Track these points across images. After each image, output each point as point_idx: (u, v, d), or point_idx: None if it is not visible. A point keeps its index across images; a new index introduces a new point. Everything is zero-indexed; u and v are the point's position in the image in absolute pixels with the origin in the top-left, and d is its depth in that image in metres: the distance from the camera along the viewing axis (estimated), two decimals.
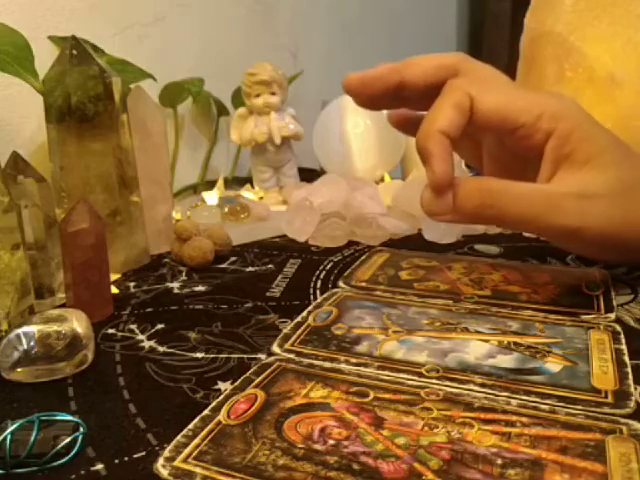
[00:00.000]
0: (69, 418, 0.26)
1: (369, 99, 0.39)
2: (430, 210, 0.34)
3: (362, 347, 0.32)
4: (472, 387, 0.28)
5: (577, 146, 0.34)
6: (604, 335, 0.33)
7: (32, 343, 0.30)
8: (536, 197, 0.34)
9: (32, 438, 0.24)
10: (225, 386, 0.29)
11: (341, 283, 0.42)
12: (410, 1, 1.37)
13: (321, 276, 0.44)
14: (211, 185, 0.71)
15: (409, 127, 0.42)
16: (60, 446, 0.24)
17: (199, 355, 0.33)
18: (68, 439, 0.24)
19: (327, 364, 0.30)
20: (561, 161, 0.34)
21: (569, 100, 0.36)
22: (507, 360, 0.30)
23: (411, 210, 0.55)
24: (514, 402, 0.27)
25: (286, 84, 0.66)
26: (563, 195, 0.34)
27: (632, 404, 0.26)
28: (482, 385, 0.28)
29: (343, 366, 0.30)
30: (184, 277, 0.44)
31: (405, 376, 0.29)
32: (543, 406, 0.26)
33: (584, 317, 0.35)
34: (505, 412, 0.26)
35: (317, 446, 0.24)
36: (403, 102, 0.40)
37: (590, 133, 0.35)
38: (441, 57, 0.38)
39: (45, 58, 0.48)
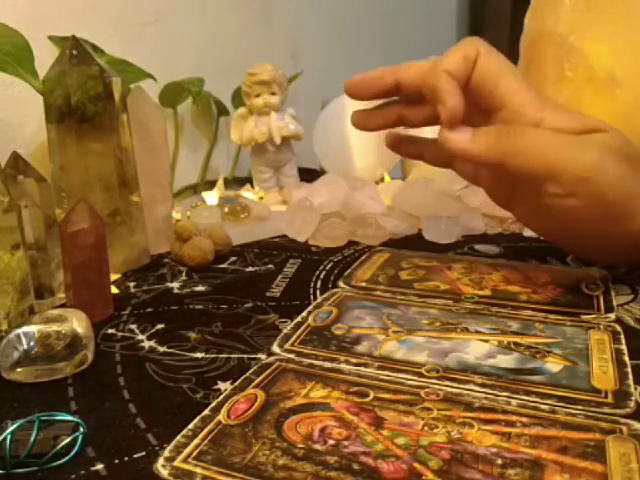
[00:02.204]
0: (69, 418, 0.26)
1: (368, 97, 0.41)
2: (447, 139, 0.36)
3: (362, 347, 0.32)
4: (472, 387, 0.28)
5: (581, 120, 0.36)
6: (604, 335, 0.33)
7: (32, 343, 0.30)
8: (558, 135, 0.35)
9: (32, 438, 0.24)
10: (225, 386, 0.29)
11: (341, 283, 0.42)
12: (410, 1, 1.37)
13: (321, 276, 0.44)
14: (211, 185, 0.71)
15: (405, 147, 0.44)
16: (60, 446, 0.24)
17: (199, 355, 0.33)
18: (68, 439, 0.24)
19: (327, 364, 0.30)
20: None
21: (552, 101, 0.38)
22: (507, 360, 0.30)
23: (411, 210, 0.55)
24: (514, 402, 0.27)
25: (286, 84, 0.66)
26: (586, 139, 0.34)
27: (632, 404, 0.26)
28: (482, 385, 0.28)
29: (343, 366, 0.30)
30: (184, 277, 0.44)
31: (405, 376, 0.29)
32: (543, 406, 0.26)
33: (584, 317, 0.35)
34: (505, 412, 0.26)
35: (317, 446, 0.24)
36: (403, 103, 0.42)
37: (581, 114, 0.37)
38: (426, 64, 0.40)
39: (45, 58, 0.48)
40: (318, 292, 0.41)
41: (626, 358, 0.30)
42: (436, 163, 0.43)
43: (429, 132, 0.43)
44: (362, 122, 0.42)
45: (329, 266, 0.46)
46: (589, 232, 0.37)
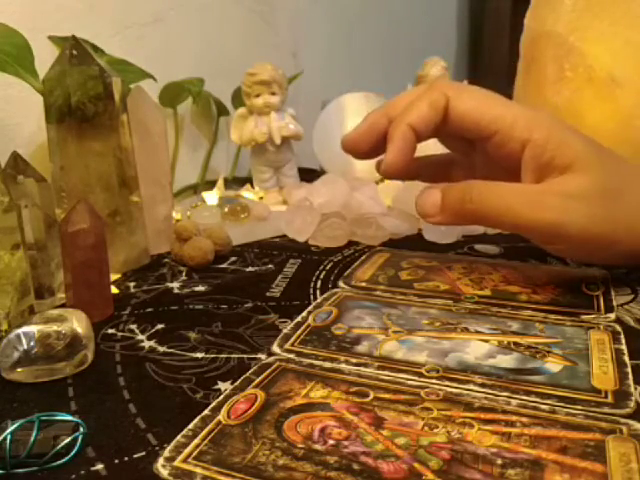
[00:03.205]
0: (69, 418, 0.26)
1: (369, 152, 0.41)
2: (422, 211, 0.37)
3: (362, 347, 0.32)
4: (472, 387, 0.28)
5: (555, 153, 0.35)
6: (604, 335, 0.33)
7: (32, 343, 0.30)
8: (518, 193, 0.35)
9: (32, 438, 0.24)
10: (225, 386, 0.29)
11: (341, 283, 0.42)
12: (410, 1, 1.37)
13: (321, 276, 0.44)
14: (211, 185, 0.71)
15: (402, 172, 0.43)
16: (60, 446, 0.24)
17: (199, 355, 0.33)
18: (68, 439, 0.24)
19: (327, 364, 0.30)
20: (542, 169, 0.35)
21: (542, 112, 0.37)
22: (507, 360, 0.30)
23: (411, 210, 0.55)
24: (514, 402, 0.27)
25: (286, 84, 0.66)
26: (545, 192, 0.35)
27: (632, 404, 0.26)
28: (482, 385, 0.28)
29: (343, 366, 0.30)
30: (184, 277, 0.44)
31: (405, 376, 0.29)
32: (543, 406, 0.26)
33: (584, 317, 0.35)
34: (505, 412, 0.26)
35: (317, 446, 0.24)
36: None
37: (565, 139, 0.35)
38: (421, 92, 0.39)
39: (45, 58, 0.48)
40: (318, 292, 0.41)
41: (626, 358, 0.30)
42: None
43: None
44: (355, 146, 0.41)
45: (329, 266, 0.46)
46: (582, 257, 0.40)
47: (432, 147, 0.43)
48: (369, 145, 0.40)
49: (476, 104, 0.37)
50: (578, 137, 0.36)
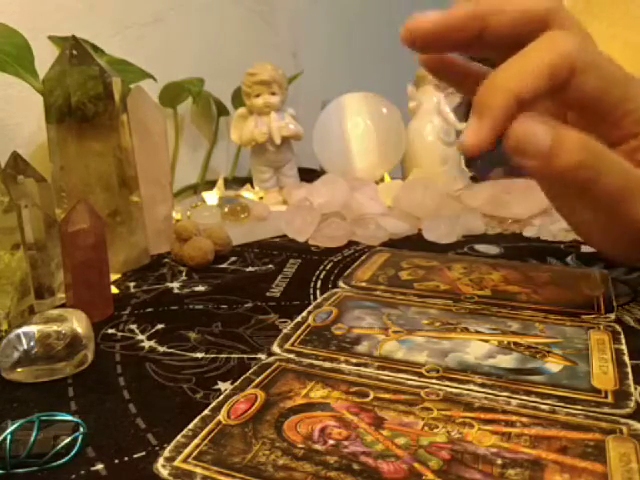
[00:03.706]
0: (69, 418, 0.26)
1: (439, 51, 0.34)
2: (520, 148, 0.28)
3: (362, 347, 0.32)
4: (472, 387, 0.28)
5: None
6: (604, 335, 0.33)
7: (32, 343, 0.30)
8: (635, 175, 0.30)
9: (32, 438, 0.24)
10: (225, 386, 0.29)
11: (341, 283, 0.42)
12: (410, 1, 1.36)
13: (321, 276, 0.44)
14: (211, 185, 0.71)
15: (449, 74, 0.36)
16: (60, 446, 0.24)
17: (199, 355, 0.33)
18: (68, 439, 0.24)
19: (327, 364, 0.30)
20: None
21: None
22: (507, 360, 0.30)
23: (411, 210, 0.55)
24: (514, 402, 0.27)
25: (286, 84, 0.66)
26: None
27: (632, 404, 0.26)
28: (482, 385, 0.28)
29: (343, 366, 0.30)
30: (184, 277, 0.44)
31: (405, 376, 0.29)
32: (543, 406, 0.26)
33: (584, 317, 0.35)
34: (505, 412, 0.26)
35: (317, 446, 0.24)
36: (473, 51, 0.34)
37: None
38: (529, 2, 0.31)
39: (45, 58, 0.48)
40: (318, 292, 0.41)
41: (626, 358, 0.30)
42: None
43: None
44: (429, 39, 0.33)
45: (329, 266, 0.46)
46: None
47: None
48: (445, 44, 0.32)
49: (604, 85, 0.30)
50: None
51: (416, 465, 0.22)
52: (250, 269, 0.46)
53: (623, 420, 0.25)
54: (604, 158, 0.29)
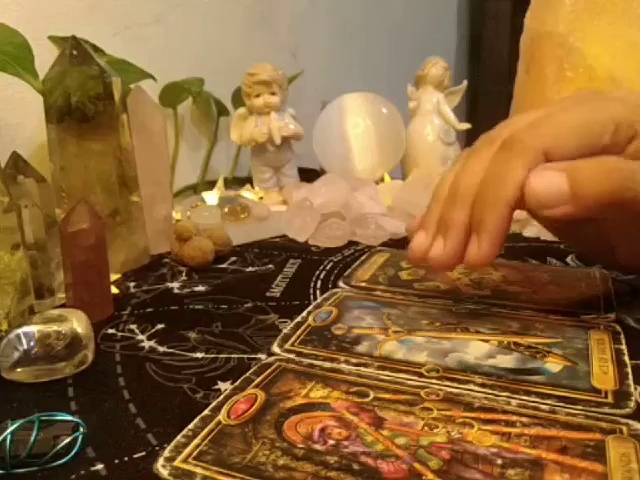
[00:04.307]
0: (69, 418, 0.26)
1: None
2: (543, 202, 0.28)
3: (362, 347, 0.32)
4: (472, 387, 0.28)
5: None
6: (604, 335, 0.33)
7: (32, 343, 0.30)
8: None
9: (32, 438, 0.24)
10: (225, 386, 0.29)
11: (341, 283, 0.42)
12: (410, 1, 1.37)
13: (321, 276, 0.44)
14: (211, 185, 0.71)
15: None
16: (60, 446, 0.24)
17: (199, 355, 0.33)
18: (68, 439, 0.24)
19: (327, 364, 0.30)
20: None
21: (634, 98, 0.32)
22: (507, 360, 0.30)
23: (411, 210, 0.55)
24: (514, 402, 0.27)
25: (286, 84, 0.66)
26: None
27: (632, 404, 0.26)
28: (482, 385, 0.28)
29: (343, 366, 0.30)
30: (184, 277, 0.44)
31: (405, 376, 0.29)
32: (543, 406, 0.26)
33: (584, 317, 0.35)
34: (505, 412, 0.26)
35: (317, 446, 0.24)
36: None
37: None
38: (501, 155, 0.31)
39: (45, 58, 0.48)
40: (318, 292, 0.41)
41: (626, 358, 0.30)
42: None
43: None
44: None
45: (329, 266, 0.46)
46: None
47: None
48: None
49: (578, 154, 0.29)
50: None
51: (416, 465, 0.22)
52: (250, 269, 0.46)
53: (623, 420, 0.25)
54: (637, 172, 0.28)
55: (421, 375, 0.29)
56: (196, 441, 0.24)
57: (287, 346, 0.32)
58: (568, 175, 0.28)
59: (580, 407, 0.26)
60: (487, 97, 1.53)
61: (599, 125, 0.30)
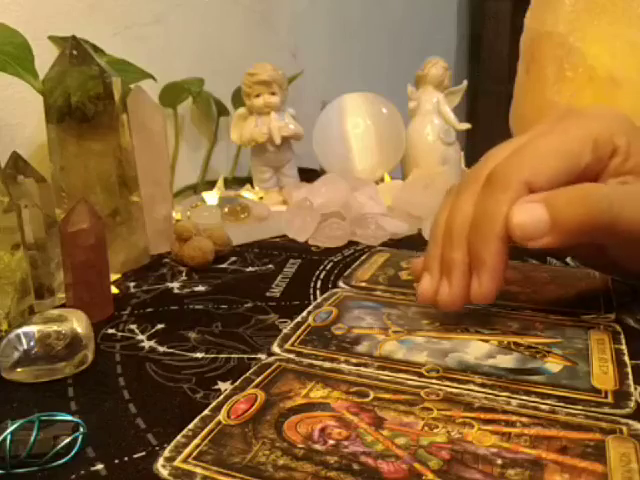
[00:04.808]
0: (69, 418, 0.26)
1: None
2: (524, 234, 0.29)
3: (362, 347, 0.32)
4: (472, 387, 0.28)
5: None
6: (604, 335, 0.33)
7: (32, 343, 0.30)
8: None
9: (32, 438, 0.24)
10: (225, 386, 0.29)
11: (341, 283, 0.42)
12: (410, 1, 1.37)
13: (321, 276, 0.44)
14: (211, 185, 0.71)
15: None
16: (60, 446, 0.24)
17: (199, 355, 0.33)
18: (68, 439, 0.24)
19: (327, 364, 0.30)
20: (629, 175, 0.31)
21: (611, 113, 0.33)
22: (507, 360, 0.30)
23: (411, 210, 0.55)
24: (514, 402, 0.27)
25: (286, 84, 0.66)
26: None
27: (632, 404, 0.26)
28: (482, 385, 0.28)
29: (343, 366, 0.30)
30: (184, 277, 0.44)
31: (405, 376, 0.29)
32: (543, 406, 0.26)
33: (584, 317, 0.35)
34: (505, 412, 0.26)
35: (317, 446, 0.24)
36: None
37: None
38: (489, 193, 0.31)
39: (45, 58, 0.48)
40: (318, 292, 0.41)
41: (626, 358, 0.30)
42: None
43: None
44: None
45: (329, 266, 0.46)
46: None
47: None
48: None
49: (561, 178, 0.30)
50: None
51: (416, 465, 0.22)
52: (250, 269, 0.46)
53: (623, 420, 0.25)
54: (612, 194, 0.29)
55: (421, 375, 0.29)
56: (196, 441, 0.24)
57: (287, 346, 0.32)
58: (547, 205, 0.29)
59: (580, 407, 0.26)
60: (487, 97, 1.53)
61: (578, 144, 0.30)
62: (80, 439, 0.24)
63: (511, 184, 0.30)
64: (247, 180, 0.72)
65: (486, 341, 0.32)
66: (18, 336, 0.30)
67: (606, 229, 0.29)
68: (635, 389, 0.28)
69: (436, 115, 0.69)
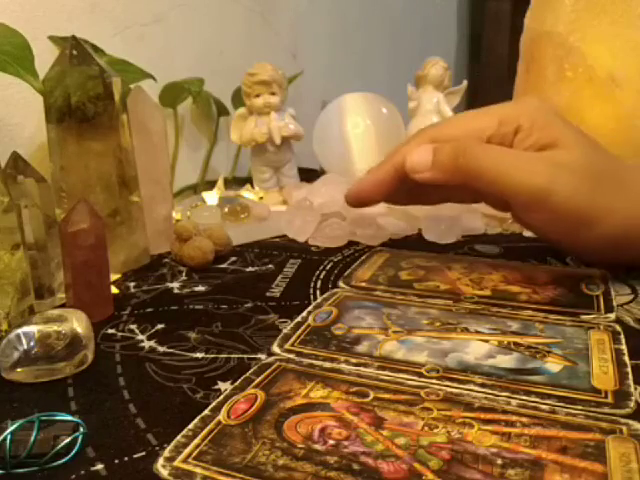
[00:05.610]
0: (69, 418, 0.26)
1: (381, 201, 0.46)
2: (412, 167, 0.40)
3: (362, 347, 0.32)
4: (472, 387, 0.28)
5: (541, 134, 0.38)
6: (604, 335, 0.33)
7: (32, 343, 0.30)
8: (511, 155, 0.37)
9: (32, 438, 0.24)
10: (225, 386, 0.29)
11: (341, 283, 0.42)
12: (410, 1, 1.37)
13: (321, 276, 0.44)
14: (211, 185, 0.71)
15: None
16: (60, 446, 0.24)
17: (199, 355, 0.33)
18: (68, 439, 0.24)
19: (327, 364, 0.30)
20: (530, 150, 0.38)
21: (529, 100, 0.41)
22: (507, 360, 0.30)
23: (411, 210, 0.55)
24: (514, 402, 0.27)
25: (286, 84, 0.66)
26: (536, 158, 0.37)
27: (632, 404, 0.26)
28: (482, 385, 0.28)
29: (343, 366, 0.30)
30: (184, 277, 0.44)
31: (405, 376, 0.29)
32: (543, 406, 0.26)
33: (584, 317, 0.35)
34: (505, 412, 0.26)
35: (317, 446, 0.24)
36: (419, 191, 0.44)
37: (548, 121, 0.38)
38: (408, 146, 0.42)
39: (45, 58, 0.48)
40: (318, 292, 0.41)
41: (626, 358, 0.30)
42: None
43: None
44: (358, 203, 0.45)
45: (329, 266, 0.46)
46: (561, 237, 0.40)
47: None
48: (377, 198, 0.44)
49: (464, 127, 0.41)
50: (562, 121, 0.39)
51: (416, 465, 0.22)
52: (250, 269, 0.46)
53: (623, 420, 0.25)
54: (475, 147, 0.38)
55: (421, 375, 0.29)
56: (196, 441, 0.24)
57: (287, 346, 0.32)
58: (434, 149, 0.39)
59: (580, 407, 0.26)
60: (487, 97, 1.53)
61: (486, 120, 0.40)
62: (80, 439, 0.24)
63: (420, 135, 0.42)
64: (247, 180, 0.72)
65: (486, 341, 0.32)
66: (18, 336, 0.30)
67: (472, 177, 0.38)
68: (635, 389, 0.28)
69: (436, 115, 0.69)
